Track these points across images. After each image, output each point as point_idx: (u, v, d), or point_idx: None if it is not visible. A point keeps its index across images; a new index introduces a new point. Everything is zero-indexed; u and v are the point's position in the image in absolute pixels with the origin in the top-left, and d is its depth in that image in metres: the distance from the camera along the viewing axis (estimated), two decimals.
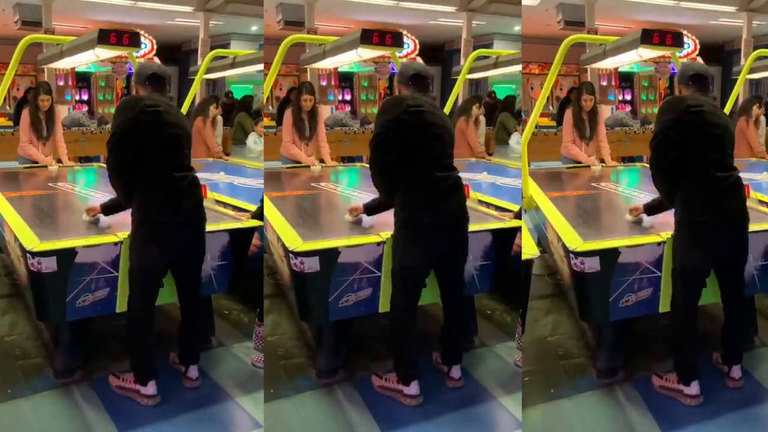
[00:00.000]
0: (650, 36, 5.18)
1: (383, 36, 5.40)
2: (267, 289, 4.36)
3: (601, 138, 6.54)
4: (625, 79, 10.01)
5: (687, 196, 3.72)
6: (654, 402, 3.87)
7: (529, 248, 4.18)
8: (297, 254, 3.71)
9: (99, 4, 8.79)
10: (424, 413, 3.84)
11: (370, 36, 5.39)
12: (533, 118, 5.12)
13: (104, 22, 8.15)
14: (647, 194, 4.51)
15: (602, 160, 6.48)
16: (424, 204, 3.73)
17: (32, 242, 3.72)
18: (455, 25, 8.76)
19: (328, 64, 7.43)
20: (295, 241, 3.79)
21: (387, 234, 3.83)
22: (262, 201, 4.37)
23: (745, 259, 3.83)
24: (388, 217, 3.87)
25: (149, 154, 3.74)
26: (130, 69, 4.90)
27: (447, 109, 6.24)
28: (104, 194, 4.46)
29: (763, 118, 7.47)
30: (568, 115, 6.53)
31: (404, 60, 6.80)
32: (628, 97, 10.07)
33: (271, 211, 4.26)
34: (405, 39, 6.36)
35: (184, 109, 6.33)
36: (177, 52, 9.67)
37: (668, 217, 3.86)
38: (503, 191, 5.44)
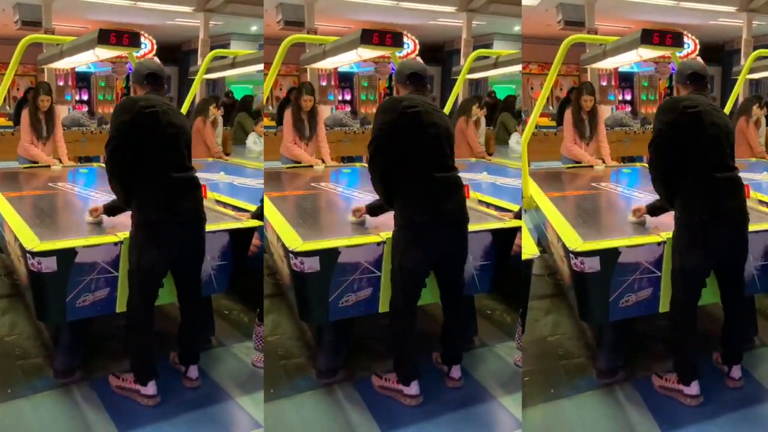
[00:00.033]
0: (650, 36, 5.18)
1: (383, 36, 5.40)
2: (267, 289, 4.36)
3: (600, 138, 6.55)
4: (625, 79, 10.00)
5: (687, 196, 3.72)
6: (654, 402, 3.87)
7: (529, 248, 4.18)
8: (297, 254, 3.71)
9: (99, 4, 8.78)
10: (424, 413, 3.84)
11: (370, 36, 5.39)
12: (533, 118, 5.12)
13: (104, 22, 8.13)
14: (647, 194, 4.51)
15: (602, 161, 6.49)
16: (424, 204, 3.73)
17: (32, 242, 3.72)
18: (455, 25, 8.75)
19: (328, 64, 7.43)
20: (295, 241, 3.79)
21: (387, 234, 3.83)
22: (262, 201, 4.37)
23: (745, 259, 3.83)
24: (391, 217, 3.86)
25: (148, 155, 3.74)
26: (130, 69, 4.90)
27: (447, 109, 6.24)
28: (104, 194, 4.46)
29: (763, 119, 7.47)
30: (568, 115, 6.54)
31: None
32: (628, 97, 10.05)
33: (271, 211, 4.26)
34: (405, 39, 6.35)
35: (184, 109, 6.33)
36: (177, 52, 9.65)
37: (671, 218, 3.86)
38: (503, 191, 5.44)
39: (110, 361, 4.10)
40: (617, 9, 9.30)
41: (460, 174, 3.88)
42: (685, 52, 5.85)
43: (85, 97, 9.59)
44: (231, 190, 5.45)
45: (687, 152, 3.70)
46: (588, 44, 7.47)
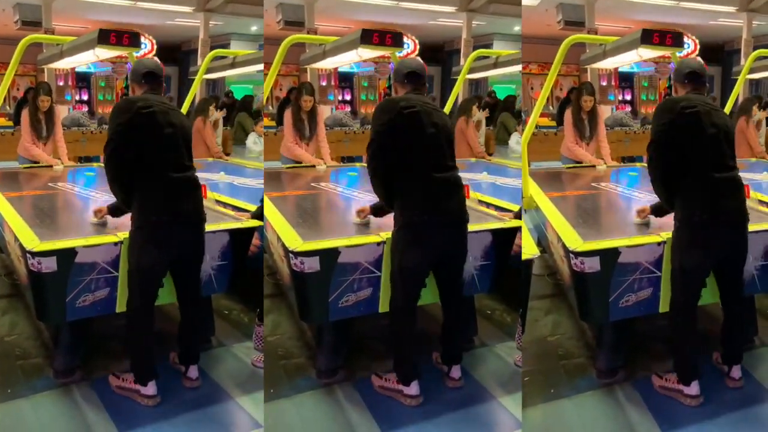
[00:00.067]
0: (650, 36, 5.19)
1: (383, 36, 5.40)
2: (267, 289, 4.36)
3: (600, 138, 6.55)
4: (625, 79, 10.01)
5: (686, 196, 3.71)
6: (654, 402, 3.87)
7: (529, 248, 4.18)
8: (297, 254, 3.71)
9: (99, 4, 8.78)
10: (424, 413, 3.84)
11: (370, 36, 5.39)
12: (533, 118, 5.12)
13: (104, 22, 8.13)
14: (647, 194, 4.51)
15: (603, 161, 6.49)
16: (424, 204, 3.73)
17: (32, 242, 3.72)
18: (455, 25, 8.75)
19: (328, 64, 7.43)
20: (295, 241, 3.79)
21: (387, 234, 3.83)
22: (262, 201, 4.37)
23: (745, 259, 3.83)
24: None
25: (147, 155, 3.73)
26: (130, 69, 4.90)
27: (447, 109, 6.24)
28: (104, 194, 4.46)
29: (764, 120, 7.47)
30: (568, 115, 6.54)
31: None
32: (628, 97, 10.06)
33: (271, 211, 4.26)
34: (405, 39, 6.34)
35: (184, 109, 6.33)
36: (177, 52, 9.65)
37: None
38: (503, 191, 5.44)
39: (110, 361, 4.10)
40: (617, 9, 9.30)
41: (460, 174, 3.88)
42: (685, 52, 5.85)
43: (85, 97, 9.59)
44: (231, 190, 5.45)
45: (686, 153, 3.70)
46: (588, 44, 7.48)
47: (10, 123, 8.06)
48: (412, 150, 3.75)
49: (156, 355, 3.90)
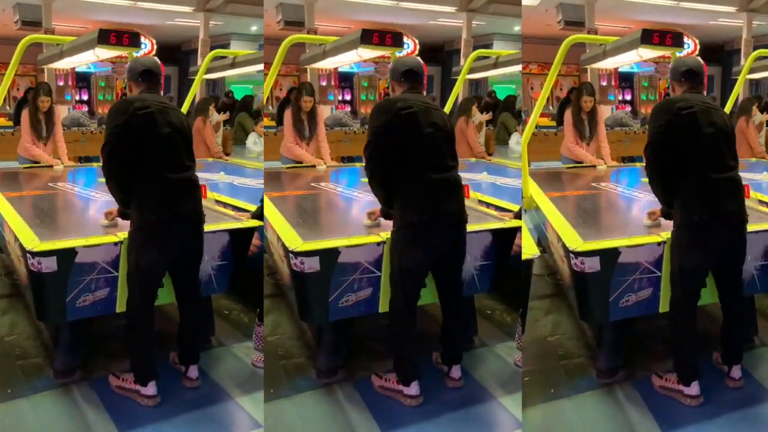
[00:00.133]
0: (650, 36, 5.19)
1: (383, 36, 5.40)
2: (267, 289, 4.36)
3: (601, 138, 6.56)
4: (625, 79, 10.02)
5: (686, 197, 3.71)
6: (654, 402, 3.87)
7: (529, 248, 4.18)
8: (297, 254, 3.71)
9: (99, 4, 8.79)
10: (424, 413, 3.83)
11: (370, 36, 5.39)
12: (533, 118, 5.12)
13: (104, 22, 8.14)
14: (647, 194, 4.50)
15: (603, 161, 6.49)
16: (423, 205, 3.72)
17: (32, 242, 3.72)
18: (455, 25, 8.76)
19: (328, 64, 7.44)
20: (295, 241, 3.79)
21: (387, 234, 3.83)
22: (262, 201, 4.37)
23: (744, 260, 3.83)
24: None
25: (145, 156, 3.71)
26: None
27: (447, 109, 6.24)
28: (104, 194, 4.45)
29: (764, 122, 7.48)
30: (568, 115, 6.54)
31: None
32: (628, 97, 10.07)
33: (271, 211, 4.26)
34: (405, 39, 6.34)
35: (184, 109, 6.33)
36: (177, 52, 9.66)
37: None
38: (503, 191, 5.44)
39: (110, 361, 4.09)
40: (617, 9, 9.31)
41: (460, 174, 3.87)
42: (685, 52, 5.85)
43: (85, 97, 9.60)
44: (231, 190, 5.45)
45: (684, 153, 3.68)
46: (588, 44, 7.48)
47: (10, 123, 8.07)
48: (410, 150, 3.73)
49: (156, 355, 3.90)
